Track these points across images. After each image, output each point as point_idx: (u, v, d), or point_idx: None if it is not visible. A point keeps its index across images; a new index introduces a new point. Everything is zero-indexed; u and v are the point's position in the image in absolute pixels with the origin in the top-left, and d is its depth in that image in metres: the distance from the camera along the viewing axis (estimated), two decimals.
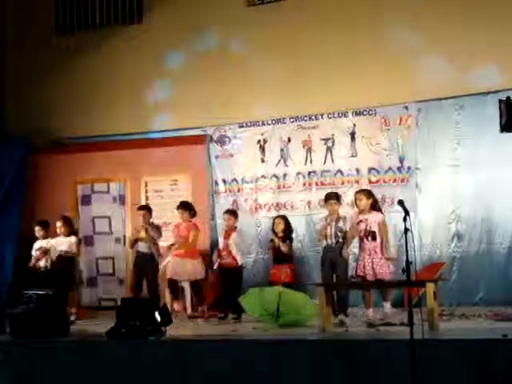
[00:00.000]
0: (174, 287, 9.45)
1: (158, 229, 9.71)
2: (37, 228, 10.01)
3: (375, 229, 7.92)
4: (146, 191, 11.10)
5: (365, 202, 8.02)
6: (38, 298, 7.76)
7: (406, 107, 9.85)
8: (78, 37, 11.79)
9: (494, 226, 9.47)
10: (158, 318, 7.36)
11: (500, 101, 7.85)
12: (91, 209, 11.34)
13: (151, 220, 9.78)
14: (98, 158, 11.11)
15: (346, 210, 9.62)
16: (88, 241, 11.29)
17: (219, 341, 6.98)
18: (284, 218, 9.34)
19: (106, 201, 11.21)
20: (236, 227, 9.45)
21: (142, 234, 9.53)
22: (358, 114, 10.13)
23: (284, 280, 8.84)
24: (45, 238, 9.95)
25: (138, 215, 9.77)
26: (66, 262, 9.72)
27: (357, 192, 8.38)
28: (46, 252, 9.81)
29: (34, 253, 9.89)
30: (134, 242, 9.68)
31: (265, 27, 10.62)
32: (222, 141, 10.83)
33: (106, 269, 11.11)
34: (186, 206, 9.60)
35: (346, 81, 10.07)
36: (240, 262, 9.22)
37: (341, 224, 8.26)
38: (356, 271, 8.00)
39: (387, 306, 7.90)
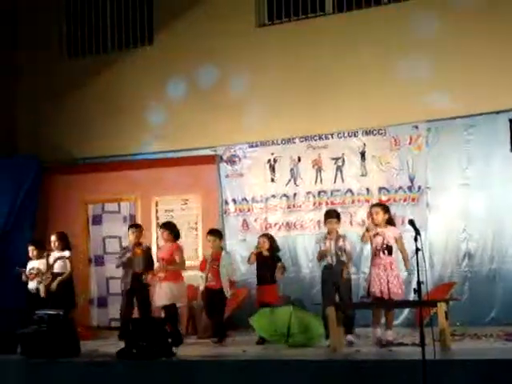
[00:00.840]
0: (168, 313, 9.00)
1: (147, 250, 9.54)
2: (30, 248, 9.80)
3: (392, 243, 7.88)
4: (157, 211, 11.12)
5: (381, 216, 7.94)
6: (49, 319, 7.77)
7: (416, 126, 9.85)
8: (90, 59, 11.90)
9: (505, 244, 9.43)
10: (169, 338, 7.36)
11: (510, 120, 7.85)
12: (102, 229, 11.38)
13: (142, 240, 9.60)
14: (108, 178, 11.16)
15: (356, 229, 9.68)
16: (98, 261, 11.32)
17: (229, 361, 6.96)
18: (269, 236, 9.22)
19: (117, 221, 11.23)
20: (223, 248, 9.23)
21: (138, 251, 9.30)
22: (367, 133, 10.14)
23: (269, 300, 8.72)
24: (38, 258, 9.74)
25: (131, 233, 9.46)
26: (61, 283, 9.52)
27: (373, 205, 8.30)
28: (37, 273, 9.63)
29: (27, 273, 9.71)
30: (129, 262, 9.32)
31: (275, 47, 10.68)
32: (232, 160, 10.85)
33: (116, 289, 11.06)
34: (166, 226, 9.23)
35: (356, 100, 10.10)
36: (227, 292, 8.80)
37: (340, 243, 8.21)
38: (368, 290, 7.88)
39: (389, 333, 7.80)
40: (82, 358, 7.55)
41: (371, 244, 7.94)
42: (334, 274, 8.14)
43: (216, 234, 9.21)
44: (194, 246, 10.77)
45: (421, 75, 9.76)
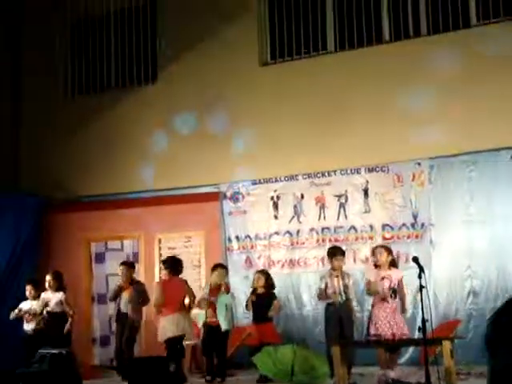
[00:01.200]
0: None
1: (139, 286, 9.47)
2: (28, 287, 9.70)
3: (396, 286, 7.84)
4: (160, 248, 11.08)
5: (385, 258, 7.92)
6: (52, 358, 7.71)
7: (419, 163, 9.88)
8: (93, 97, 11.99)
9: (510, 281, 9.36)
10: (172, 377, 7.30)
11: None
12: (105, 267, 11.34)
13: (134, 276, 9.56)
14: (111, 216, 11.16)
15: (360, 266, 9.65)
16: (101, 299, 11.25)
17: None
18: (265, 272, 9.19)
19: (120, 258, 11.17)
20: (225, 284, 9.10)
21: (127, 289, 9.25)
22: (370, 170, 10.16)
23: (270, 340, 8.65)
24: (35, 298, 9.65)
25: (120, 271, 9.43)
26: (56, 321, 9.43)
27: (377, 246, 8.31)
28: (34, 315, 9.53)
29: (17, 312, 9.56)
30: (117, 294, 9.32)
31: (278, 85, 10.75)
32: (235, 198, 10.86)
33: None
34: (163, 262, 9.24)
35: (359, 137, 10.13)
36: (223, 327, 8.72)
37: (346, 280, 8.20)
38: (370, 330, 7.81)
39: (391, 373, 7.72)
40: None
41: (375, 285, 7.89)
42: (341, 312, 8.08)
43: (222, 267, 9.26)
44: (197, 283, 10.71)
45: (423, 113, 9.81)
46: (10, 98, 12.16)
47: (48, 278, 9.62)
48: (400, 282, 7.86)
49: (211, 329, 8.79)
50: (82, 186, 11.58)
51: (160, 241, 11.10)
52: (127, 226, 11.10)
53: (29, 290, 9.73)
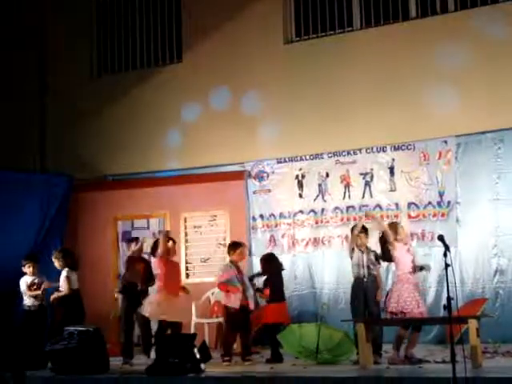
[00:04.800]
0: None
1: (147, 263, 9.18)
2: (24, 263, 9.29)
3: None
4: (185, 227, 11.14)
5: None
6: (79, 334, 7.81)
7: (446, 141, 9.80)
8: (118, 77, 12.01)
9: None
10: (197, 354, 7.35)
11: None
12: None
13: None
14: (137, 195, 11.22)
15: None
16: None
17: (257, 378, 6.94)
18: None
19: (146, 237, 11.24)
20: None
21: (139, 266, 9.09)
22: (396, 148, 10.10)
23: (281, 320, 8.57)
24: (34, 274, 9.27)
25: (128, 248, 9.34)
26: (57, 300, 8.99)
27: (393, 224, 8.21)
28: (38, 288, 9.14)
29: (22, 290, 9.23)
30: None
31: (303, 63, 10.70)
32: (260, 176, 10.86)
33: None
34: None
35: (385, 115, 10.07)
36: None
37: (372, 256, 8.14)
38: (388, 306, 7.72)
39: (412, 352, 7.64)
40: (111, 375, 7.57)
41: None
42: (366, 288, 8.02)
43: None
44: (222, 262, 10.74)
45: (450, 90, 9.70)
46: (36, 78, 12.24)
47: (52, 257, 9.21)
48: None
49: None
50: (109, 164, 11.66)
51: (185, 219, 11.16)
52: (153, 204, 11.15)
53: (26, 266, 9.30)
